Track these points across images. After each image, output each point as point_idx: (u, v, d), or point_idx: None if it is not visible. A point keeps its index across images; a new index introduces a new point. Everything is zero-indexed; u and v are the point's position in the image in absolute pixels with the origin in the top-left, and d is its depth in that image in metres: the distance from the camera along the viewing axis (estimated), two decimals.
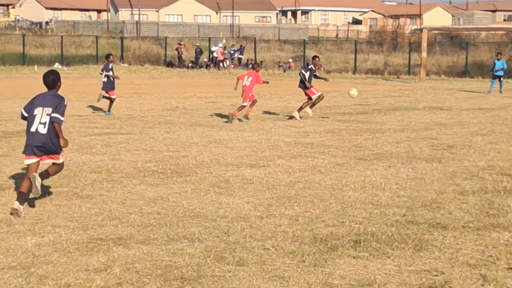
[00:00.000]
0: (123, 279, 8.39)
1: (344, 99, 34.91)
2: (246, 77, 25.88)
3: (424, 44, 55.63)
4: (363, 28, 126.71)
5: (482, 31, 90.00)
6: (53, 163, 11.98)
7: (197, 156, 17.23)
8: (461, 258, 9.27)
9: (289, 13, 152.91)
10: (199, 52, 71.60)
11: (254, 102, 25.91)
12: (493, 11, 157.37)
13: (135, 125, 23.54)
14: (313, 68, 27.15)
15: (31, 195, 11.75)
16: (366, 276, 8.56)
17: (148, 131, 21.83)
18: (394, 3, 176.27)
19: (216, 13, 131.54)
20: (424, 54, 55.43)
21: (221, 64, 68.77)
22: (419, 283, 8.35)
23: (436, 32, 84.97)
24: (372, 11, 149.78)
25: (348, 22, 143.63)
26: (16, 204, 11.24)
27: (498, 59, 44.30)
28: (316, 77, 27.38)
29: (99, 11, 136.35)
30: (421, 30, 70.71)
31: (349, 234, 10.32)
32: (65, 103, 11.90)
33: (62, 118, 11.67)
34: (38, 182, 11.38)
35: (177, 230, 10.53)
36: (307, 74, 26.52)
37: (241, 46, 75.69)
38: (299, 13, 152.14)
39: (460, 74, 61.83)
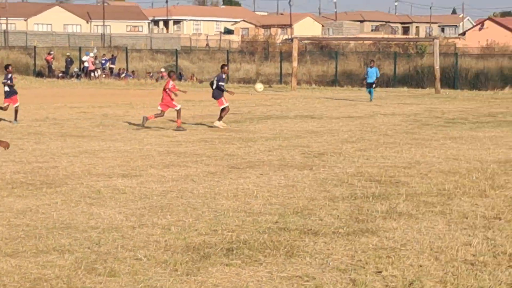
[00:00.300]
0: None
1: (215, 108, 34.95)
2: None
3: (295, 53, 56.21)
4: (235, 38, 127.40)
5: (350, 41, 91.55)
6: None
7: (68, 167, 16.99)
8: (331, 263, 9.38)
9: (161, 23, 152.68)
10: (69, 62, 70.74)
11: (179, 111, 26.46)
12: (361, 21, 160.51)
13: (2, 136, 23.00)
14: (222, 76, 27.53)
15: None
16: (239, 283, 8.59)
17: (17, 142, 21.39)
18: (265, 13, 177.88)
19: (87, 22, 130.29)
20: (295, 64, 56.00)
21: (92, 74, 68.07)
22: None
23: (306, 42, 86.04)
24: (244, 21, 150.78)
25: (220, 32, 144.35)
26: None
27: (371, 67, 45.05)
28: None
29: None
30: (291, 40, 71.54)
31: (221, 242, 10.33)
32: None
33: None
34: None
35: (46, 242, 10.35)
36: (215, 81, 27.16)
37: (112, 55, 75.11)
38: (171, 22, 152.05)
39: (330, 83, 62.79)
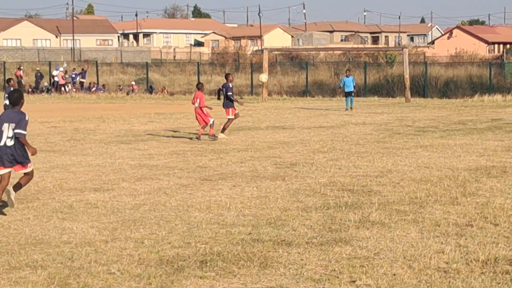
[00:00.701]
0: None
1: (187, 121, 34.94)
2: (196, 99, 26.90)
3: (266, 64, 56.32)
4: (206, 50, 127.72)
5: (320, 51, 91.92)
6: (24, 173, 13.61)
7: (39, 182, 16.90)
8: (305, 273, 9.40)
9: (131, 36, 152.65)
10: (39, 77, 70.65)
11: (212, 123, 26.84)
12: (331, 31, 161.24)
13: None
14: (229, 85, 27.88)
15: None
16: None
17: None
18: (235, 25, 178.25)
19: (56, 36, 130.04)
20: (266, 74, 55.97)
21: (62, 89, 67.96)
22: None
23: (276, 52, 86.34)
24: (214, 33, 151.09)
25: (190, 44, 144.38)
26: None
27: (347, 76, 45.38)
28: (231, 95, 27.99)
29: None
30: (262, 51, 71.60)
31: (195, 255, 10.31)
32: (27, 119, 13.42)
33: (24, 132, 13.23)
34: (12, 195, 12.90)
35: (19, 258, 10.29)
36: (223, 91, 27.77)
37: (82, 69, 74.94)
38: (141, 35, 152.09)
39: (301, 93, 62.96)
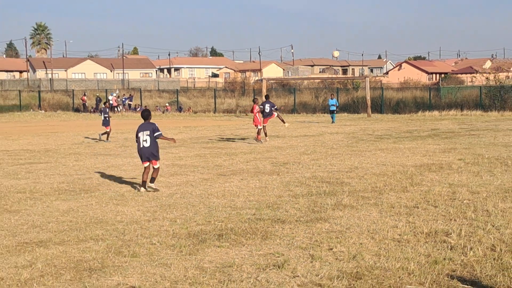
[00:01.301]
0: (44, 272, 8.22)
1: (208, 132, 34.96)
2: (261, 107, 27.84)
3: (264, 90, 56.31)
4: (220, 80, 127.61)
5: (304, 80, 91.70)
6: (154, 168, 14.66)
7: (100, 177, 16.94)
8: (295, 243, 9.43)
9: (165, 70, 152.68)
10: (98, 100, 70.64)
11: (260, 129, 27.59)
12: (312, 65, 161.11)
13: (51, 156, 22.95)
14: (271, 102, 29.41)
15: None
16: (228, 260, 8.61)
17: (61, 160, 21.32)
18: (241, 61, 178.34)
19: (111, 71, 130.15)
20: (264, 98, 56.13)
21: (115, 109, 68.04)
22: (266, 263, 8.44)
23: (272, 81, 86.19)
24: (226, 67, 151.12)
25: (209, 76, 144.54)
26: (142, 189, 14.41)
27: (332, 98, 45.94)
28: (275, 110, 29.12)
29: (21, 72, 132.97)
30: (261, 80, 71.60)
31: (214, 230, 10.35)
32: (157, 125, 14.83)
33: (160, 132, 14.71)
34: (153, 185, 14.58)
35: (85, 233, 10.35)
36: (267, 107, 28.29)
37: (130, 95, 75.04)
38: (172, 70, 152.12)
39: (290, 111, 62.86)
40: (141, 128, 14.70)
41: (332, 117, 44.25)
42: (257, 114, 27.35)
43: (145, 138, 14.54)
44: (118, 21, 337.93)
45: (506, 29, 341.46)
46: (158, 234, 10.14)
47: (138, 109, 67.94)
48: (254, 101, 28.82)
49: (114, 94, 72.41)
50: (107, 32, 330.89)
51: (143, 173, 14.72)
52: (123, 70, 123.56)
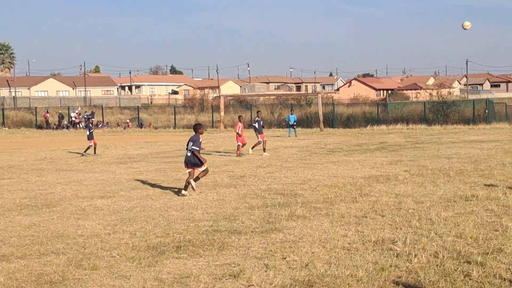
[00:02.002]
0: (6, 285, 8.09)
1: (167, 147, 34.77)
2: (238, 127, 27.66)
3: (222, 106, 56.41)
4: (180, 97, 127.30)
5: (260, 97, 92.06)
6: (201, 170, 15.98)
7: (61, 192, 16.68)
8: (251, 253, 9.42)
9: (126, 88, 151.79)
10: (61, 117, 70.10)
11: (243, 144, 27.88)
12: (267, 82, 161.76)
13: (14, 172, 22.59)
14: (259, 119, 28.85)
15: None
16: (186, 271, 8.56)
17: (24, 176, 20.99)
18: (200, 79, 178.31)
19: (73, 88, 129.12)
20: (222, 113, 56.18)
21: (77, 126, 67.43)
22: (223, 273, 8.41)
23: (230, 98, 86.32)
24: (185, 84, 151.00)
25: (169, 93, 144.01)
26: (184, 192, 15.61)
27: (291, 114, 46.46)
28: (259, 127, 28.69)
29: None
30: (219, 97, 71.55)
31: (173, 242, 10.28)
32: (200, 140, 16.02)
33: (196, 148, 15.76)
34: (193, 184, 15.69)
35: (46, 247, 10.18)
36: (256, 125, 28.07)
37: (92, 112, 74.48)
38: (133, 87, 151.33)
39: (247, 126, 62.87)
40: (189, 139, 16.11)
41: (289, 131, 44.97)
42: (238, 132, 27.81)
43: (189, 148, 15.88)
44: (80, 41, 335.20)
45: (448, 48, 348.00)
46: (118, 247, 10.02)
47: (100, 125, 67.42)
48: (239, 118, 29.25)
49: (76, 111, 71.87)
50: (69, 51, 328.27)
51: (187, 178, 15.87)
52: (85, 88, 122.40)
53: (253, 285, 7.85)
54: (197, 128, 16.48)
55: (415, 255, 8.95)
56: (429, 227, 10.86)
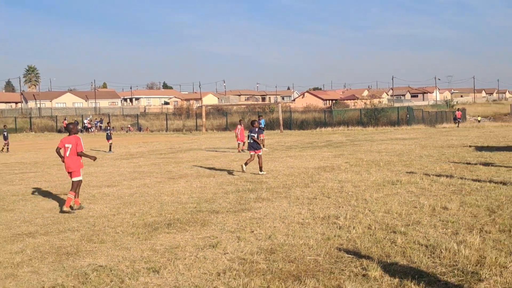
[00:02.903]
0: (32, 256, 7.95)
1: (160, 146, 34.52)
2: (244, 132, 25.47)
3: (204, 114, 56.20)
4: (170, 107, 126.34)
5: (233, 106, 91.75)
6: (258, 156, 17.24)
7: None
8: (226, 228, 9.38)
9: (128, 99, 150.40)
10: (76, 124, 69.15)
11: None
12: (239, 95, 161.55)
13: (39, 167, 22.24)
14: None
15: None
16: (175, 243, 8.49)
17: (47, 170, 20.69)
18: (187, 92, 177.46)
19: (85, 100, 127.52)
20: (204, 119, 55.96)
21: (89, 130, 66.69)
22: (204, 244, 8.36)
23: (210, 107, 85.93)
24: (175, 97, 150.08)
25: (162, 104, 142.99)
26: (242, 167, 17.40)
27: (260, 118, 45.78)
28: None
29: (16, 103, 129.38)
30: (201, 106, 71.24)
31: (164, 220, 10.19)
32: (256, 130, 17.49)
33: (254, 135, 17.33)
34: (244, 167, 17.37)
35: (64, 225, 10.05)
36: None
37: (101, 119, 73.74)
38: (133, 99, 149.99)
39: (224, 129, 62.81)
40: (249, 131, 17.61)
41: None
42: (237, 133, 27.73)
43: (250, 137, 17.45)
44: (91, 62, 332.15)
45: (378, 68, 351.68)
46: (121, 225, 9.91)
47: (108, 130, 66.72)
48: (240, 122, 29.30)
49: (88, 118, 71.24)
50: (82, 71, 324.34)
51: (247, 160, 17.59)
52: (95, 100, 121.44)
53: (227, 253, 7.82)
54: (253, 123, 17.92)
55: (353, 227, 8.99)
56: (364, 206, 10.92)
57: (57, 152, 11.75)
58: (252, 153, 17.61)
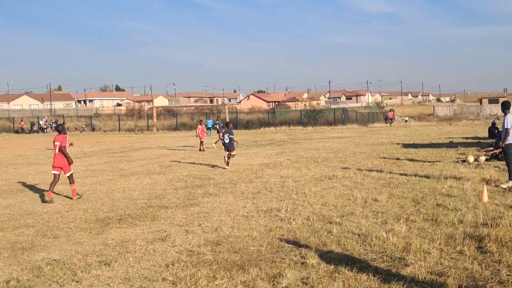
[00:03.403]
0: None
1: (113, 145, 33.82)
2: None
3: (155, 114, 55.44)
4: (123, 108, 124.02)
5: (183, 107, 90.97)
6: (231, 156, 17.64)
7: (31, 181, 15.92)
8: (175, 222, 9.28)
9: (82, 101, 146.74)
10: (32, 124, 66.92)
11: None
12: (189, 97, 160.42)
13: None
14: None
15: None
16: (126, 237, 8.33)
17: (4, 169, 19.86)
18: (138, 94, 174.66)
19: (41, 102, 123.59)
20: (155, 119, 55.17)
21: (45, 130, 64.70)
22: (154, 237, 8.24)
23: (160, 108, 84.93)
24: (127, 99, 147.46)
25: (114, 105, 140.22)
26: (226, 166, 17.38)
27: (209, 119, 46.43)
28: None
29: None
30: (153, 108, 70.24)
31: (116, 216, 9.99)
32: (233, 133, 17.98)
33: (232, 136, 17.70)
34: (228, 167, 17.33)
35: (19, 222, 9.69)
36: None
37: (56, 120, 71.65)
38: (87, 101, 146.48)
39: (174, 129, 62.18)
40: (225, 132, 17.99)
41: (209, 132, 44.87)
42: (198, 132, 26.97)
43: (226, 139, 17.70)
44: (47, 66, 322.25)
45: (317, 72, 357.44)
46: (74, 221, 9.64)
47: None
48: (200, 122, 28.01)
49: (44, 119, 69.12)
50: (38, 75, 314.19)
51: (227, 158, 17.63)
52: (50, 102, 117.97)
53: (176, 245, 7.73)
54: (228, 124, 18.46)
55: (294, 219, 9.06)
56: (304, 199, 11.03)
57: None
58: (227, 152, 17.88)
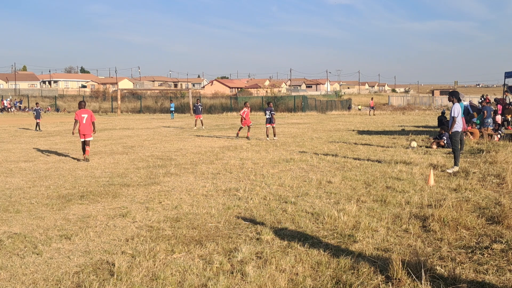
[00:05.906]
0: None
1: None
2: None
3: (119, 97, 54.66)
4: (88, 90, 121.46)
5: (148, 91, 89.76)
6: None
7: None
8: (136, 200, 9.21)
9: (47, 82, 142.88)
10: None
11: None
12: (153, 81, 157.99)
13: None
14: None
15: None
16: (87, 213, 8.25)
17: None
18: (103, 77, 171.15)
19: (6, 82, 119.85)
20: (119, 102, 54.39)
21: (9, 110, 62.76)
22: (114, 213, 8.18)
23: (125, 91, 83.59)
24: (92, 81, 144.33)
25: (79, 87, 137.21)
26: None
27: (171, 102, 46.26)
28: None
29: None
30: (117, 90, 69.02)
31: (78, 193, 9.85)
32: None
33: (274, 113, 19.68)
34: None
35: None
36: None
37: (20, 100, 69.65)
38: (52, 82, 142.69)
39: (138, 111, 61.37)
40: (266, 109, 20.63)
41: (172, 115, 44.60)
42: (243, 116, 22.07)
43: (268, 114, 20.54)
44: (12, 46, 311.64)
45: (279, 60, 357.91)
46: (36, 197, 9.47)
47: (26, 110, 63.22)
48: (246, 104, 22.57)
49: (8, 99, 67.07)
50: (3, 54, 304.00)
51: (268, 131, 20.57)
52: (15, 82, 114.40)
53: (136, 221, 7.70)
54: (269, 103, 21.38)
55: (251, 198, 9.14)
56: (261, 180, 11.12)
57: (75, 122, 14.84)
58: (268, 125, 21.15)
